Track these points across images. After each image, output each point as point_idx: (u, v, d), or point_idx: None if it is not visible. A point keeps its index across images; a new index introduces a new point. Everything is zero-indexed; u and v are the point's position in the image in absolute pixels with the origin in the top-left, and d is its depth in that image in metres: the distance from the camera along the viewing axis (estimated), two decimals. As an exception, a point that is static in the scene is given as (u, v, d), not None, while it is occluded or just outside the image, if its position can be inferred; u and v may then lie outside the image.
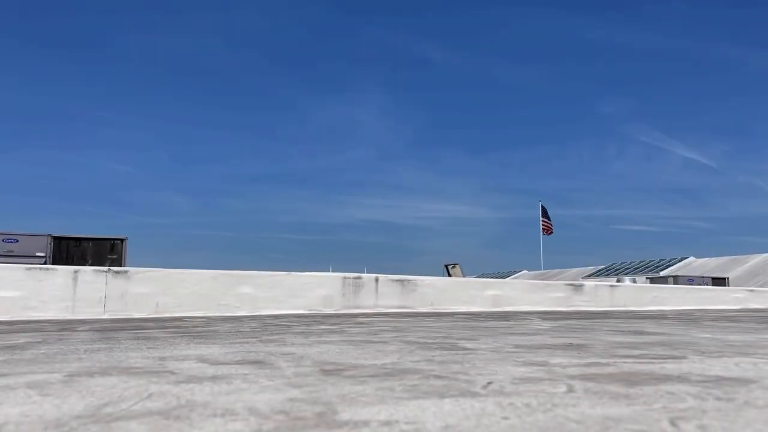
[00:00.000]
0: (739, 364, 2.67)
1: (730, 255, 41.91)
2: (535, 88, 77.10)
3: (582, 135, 78.81)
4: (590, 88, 75.77)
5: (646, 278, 32.36)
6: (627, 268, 45.86)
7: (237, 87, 77.30)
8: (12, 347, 3.67)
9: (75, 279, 8.80)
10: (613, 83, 75.17)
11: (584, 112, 76.09)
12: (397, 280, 11.19)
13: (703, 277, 31.71)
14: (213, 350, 3.40)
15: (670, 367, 2.54)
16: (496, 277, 26.94)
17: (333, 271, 11.10)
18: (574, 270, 51.58)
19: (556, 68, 77.19)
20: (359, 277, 10.85)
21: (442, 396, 1.84)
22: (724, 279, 32.34)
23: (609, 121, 74.22)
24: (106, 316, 8.59)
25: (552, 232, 43.96)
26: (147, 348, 3.55)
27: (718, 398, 1.80)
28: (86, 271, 8.97)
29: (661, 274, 38.93)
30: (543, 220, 43.89)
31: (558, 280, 30.75)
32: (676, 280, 29.15)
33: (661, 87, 74.14)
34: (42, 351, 3.40)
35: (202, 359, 2.92)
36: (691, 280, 29.48)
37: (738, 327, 5.98)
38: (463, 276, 35.18)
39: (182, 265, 16.51)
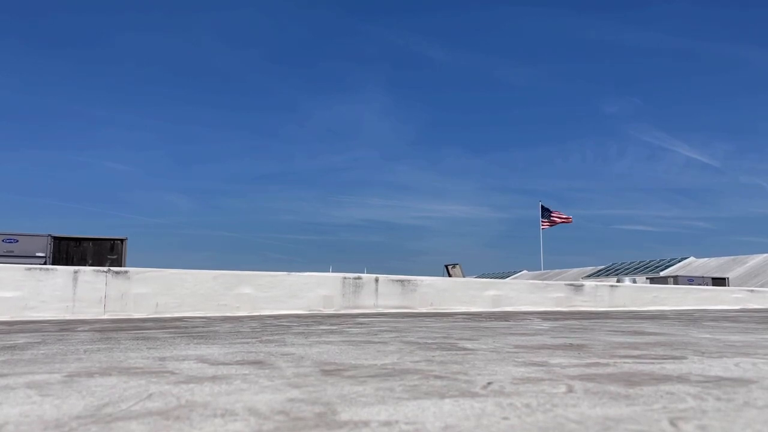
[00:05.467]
0: (738, 365, 2.67)
1: (731, 255, 41.94)
2: (537, 88, 77.16)
3: (584, 135, 78.82)
4: (593, 88, 75.80)
5: (646, 278, 32.36)
6: (627, 268, 45.87)
7: (238, 87, 77.36)
8: (12, 347, 3.67)
9: (75, 279, 8.79)
10: (616, 83, 75.24)
11: (587, 112, 76.15)
12: (397, 280, 11.19)
13: (703, 277, 31.72)
14: (213, 350, 3.40)
15: (670, 368, 2.54)
16: (496, 277, 26.96)
17: (333, 271, 11.10)
18: (574, 270, 51.60)
19: (559, 68, 77.28)
20: (359, 277, 10.85)
21: (442, 396, 1.84)
22: (724, 279, 32.35)
23: (611, 120, 74.26)
24: (106, 317, 8.58)
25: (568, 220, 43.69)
26: (147, 348, 3.55)
27: (718, 398, 1.80)
28: (86, 271, 8.97)
29: (661, 274, 38.94)
30: (543, 221, 43.81)
31: (558, 280, 30.76)
32: (676, 280, 29.15)
33: (665, 87, 74.19)
34: (42, 351, 3.40)
35: (202, 359, 2.92)
36: (691, 280, 29.48)
37: (738, 327, 5.98)
38: (463, 276, 35.18)
39: (182, 265, 16.51)
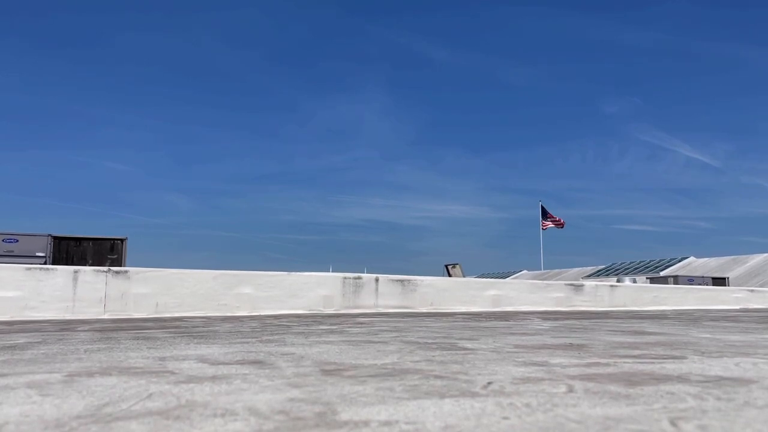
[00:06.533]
0: (739, 364, 2.67)
1: (731, 255, 41.95)
2: (537, 88, 77.16)
3: (584, 135, 78.83)
4: (593, 88, 75.77)
5: (646, 278, 32.37)
6: (627, 268, 45.87)
7: (238, 86, 77.36)
8: (12, 347, 3.67)
9: (75, 279, 8.79)
10: (616, 83, 75.22)
11: (587, 112, 76.14)
12: (397, 280, 11.19)
13: (703, 277, 31.72)
14: (213, 350, 3.40)
15: (670, 367, 2.54)
16: (496, 277, 26.97)
17: (333, 271, 11.10)
18: (574, 270, 51.60)
19: (559, 68, 77.25)
20: (359, 277, 10.85)
21: (442, 396, 1.84)
22: (724, 279, 32.35)
23: (612, 120, 74.26)
24: (106, 316, 8.58)
25: (563, 225, 43.78)
26: (147, 348, 3.55)
27: (718, 398, 1.80)
28: (86, 271, 8.97)
29: (662, 274, 38.94)
30: (545, 221, 43.81)
31: (558, 280, 30.77)
32: (676, 280, 29.16)
33: (665, 87, 74.14)
34: (42, 351, 3.39)
35: (202, 359, 2.92)
36: (691, 280, 29.48)
37: (738, 327, 5.98)
38: (463, 276, 35.18)
39: (182, 265, 16.51)
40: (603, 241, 69.63)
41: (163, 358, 2.96)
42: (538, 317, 8.42)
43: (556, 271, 52.27)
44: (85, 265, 14.85)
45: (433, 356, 3.03)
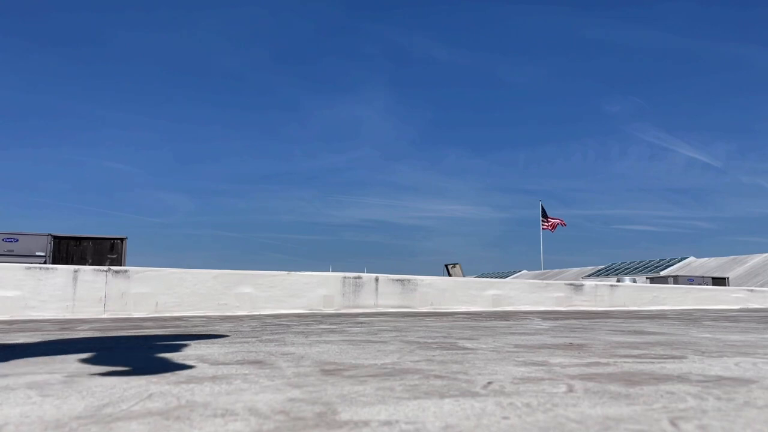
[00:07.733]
0: (739, 364, 2.67)
1: (731, 255, 41.96)
2: (539, 87, 77.23)
3: (586, 134, 78.97)
4: (595, 88, 75.86)
5: (646, 278, 32.37)
6: (627, 268, 45.88)
7: (239, 85, 77.41)
8: (12, 347, 3.66)
9: (75, 278, 8.79)
10: (617, 82, 75.28)
11: (588, 112, 76.26)
12: (397, 280, 11.19)
13: (703, 277, 31.73)
14: (213, 350, 3.40)
15: (670, 367, 2.54)
16: (496, 277, 26.96)
17: (333, 271, 11.10)
18: (574, 270, 51.61)
19: (561, 67, 77.30)
20: (359, 277, 10.84)
21: (442, 396, 1.84)
22: (724, 279, 32.37)
23: (613, 120, 74.37)
24: (106, 316, 8.58)
25: (563, 225, 43.91)
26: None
27: (718, 398, 1.80)
28: (86, 270, 8.97)
29: (661, 274, 38.96)
30: (544, 221, 43.82)
31: (558, 279, 30.76)
32: (676, 280, 29.17)
33: (666, 86, 74.22)
34: (42, 351, 3.39)
35: (201, 359, 2.92)
36: (691, 280, 29.49)
37: (738, 327, 5.98)
38: (463, 276, 35.19)
39: (182, 265, 16.52)
40: (603, 241, 69.71)
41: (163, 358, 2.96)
42: (538, 317, 8.42)
43: (556, 270, 52.28)
44: (85, 264, 14.85)
45: (433, 356, 3.03)
